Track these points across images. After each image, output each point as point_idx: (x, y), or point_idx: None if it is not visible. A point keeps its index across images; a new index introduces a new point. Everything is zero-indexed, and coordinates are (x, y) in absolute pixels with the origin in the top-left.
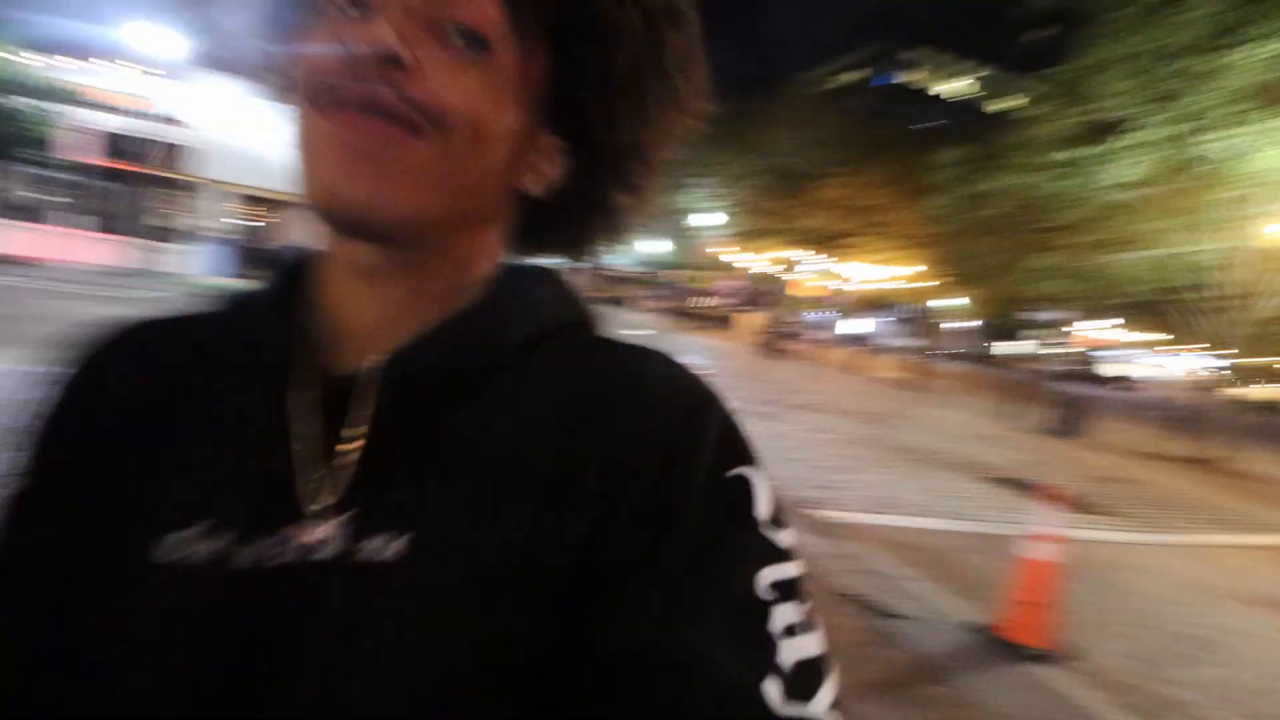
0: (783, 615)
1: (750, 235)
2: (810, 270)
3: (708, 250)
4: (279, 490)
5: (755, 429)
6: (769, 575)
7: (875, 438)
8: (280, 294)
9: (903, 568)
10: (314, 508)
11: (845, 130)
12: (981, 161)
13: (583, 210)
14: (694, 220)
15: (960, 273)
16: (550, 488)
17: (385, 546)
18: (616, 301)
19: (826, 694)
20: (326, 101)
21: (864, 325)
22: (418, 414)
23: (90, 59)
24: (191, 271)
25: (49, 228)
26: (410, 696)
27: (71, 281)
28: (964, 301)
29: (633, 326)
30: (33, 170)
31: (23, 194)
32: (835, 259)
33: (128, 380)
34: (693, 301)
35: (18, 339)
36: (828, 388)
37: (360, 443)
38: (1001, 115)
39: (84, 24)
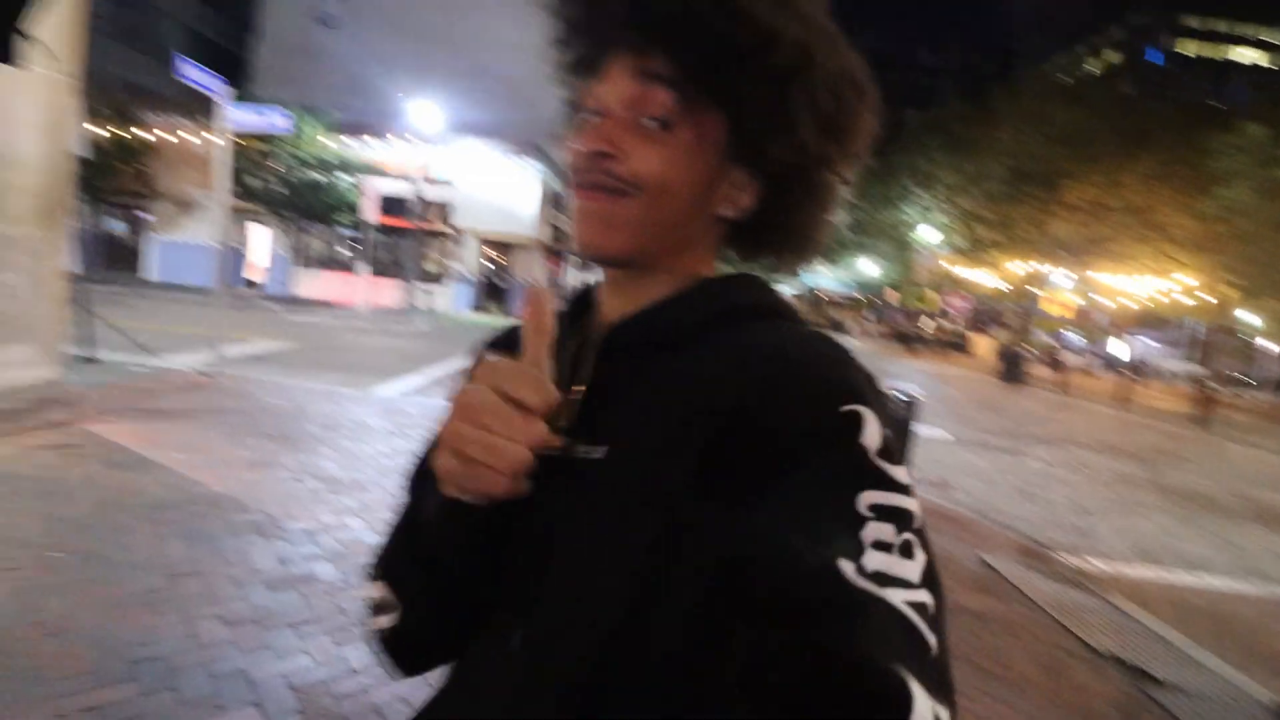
0: (876, 531)
1: (983, 248)
2: (1056, 285)
3: (934, 268)
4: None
5: (986, 462)
6: (870, 498)
7: (1142, 477)
8: (580, 300)
9: (1177, 630)
10: (559, 424)
11: (1095, 121)
12: None
13: (772, 227)
14: (918, 236)
15: (1256, 282)
16: (702, 423)
17: (591, 450)
18: (835, 327)
19: (904, 595)
20: (573, 183)
21: (1125, 347)
22: (621, 368)
23: (374, 135)
24: (448, 307)
25: (344, 275)
26: (605, 536)
27: (355, 318)
28: (1257, 318)
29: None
30: (336, 230)
31: (329, 249)
32: (1087, 271)
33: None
34: (918, 324)
35: (332, 364)
36: (1079, 418)
37: (583, 385)
38: None
39: (370, 107)
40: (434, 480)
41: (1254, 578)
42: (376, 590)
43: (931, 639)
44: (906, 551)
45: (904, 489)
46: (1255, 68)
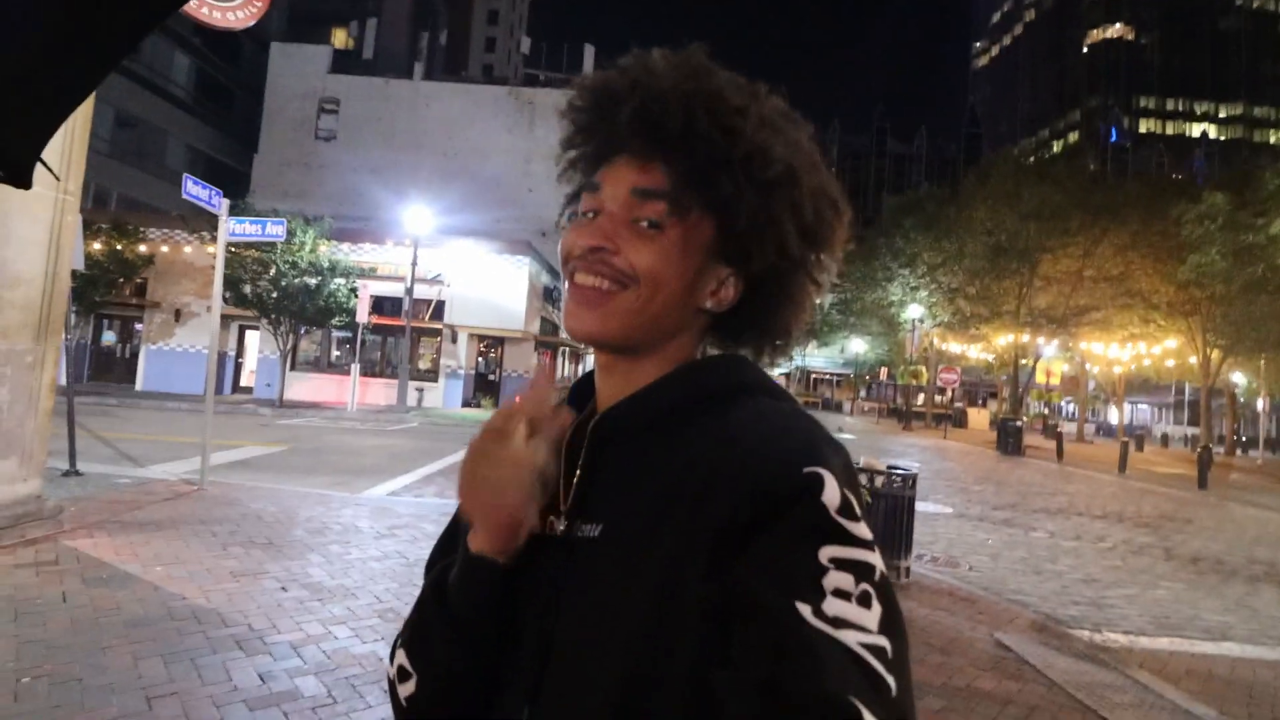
0: (836, 580)
1: (968, 322)
2: (1045, 355)
3: (923, 344)
4: (554, 497)
5: (991, 537)
6: (830, 551)
7: (1149, 544)
8: (580, 388)
9: (1202, 702)
10: (561, 507)
11: (1064, 197)
12: (1250, 207)
13: (753, 320)
14: (906, 314)
15: (1236, 341)
16: (686, 500)
17: (590, 530)
18: (828, 405)
19: (860, 638)
20: (570, 273)
21: (1120, 412)
22: (614, 450)
23: (368, 239)
24: (439, 404)
25: (335, 376)
26: (606, 611)
27: (345, 419)
28: (1240, 377)
29: (844, 430)
30: (329, 331)
31: (320, 351)
32: (1068, 339)
33: None
34: (905, 398)
35: (321, 467)
36: (1080, 487)
37: (578, 470)
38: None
39: (364, 212)
40: (459, 546)
41: (1274, 641)
42: (398, 658)
43: (890, 680)
44: (865, 601)
45: (863, 544)
46: (1212, 140)
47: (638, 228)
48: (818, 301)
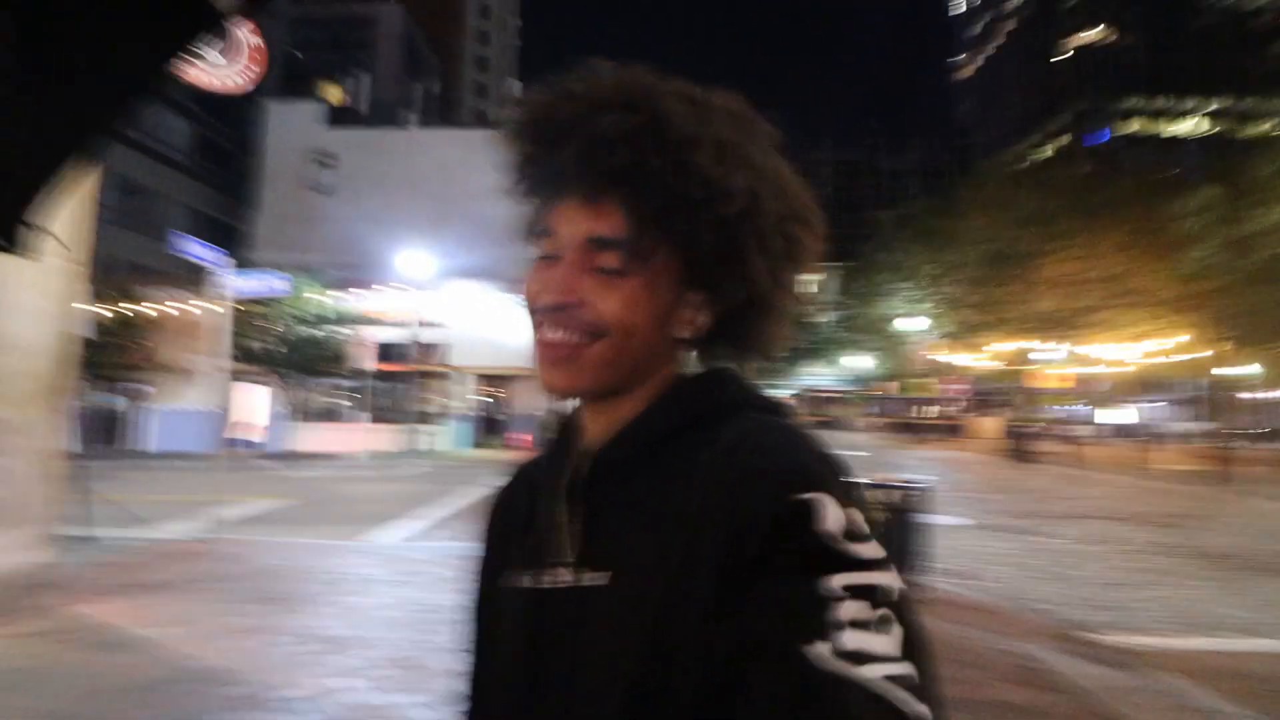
0: (850, 611)
1: (968, 332)
2: (1048, 359)
3: (924, 356)
4: (550, 548)
5: (1009, 546)
6: (838, 580)
7: (1172, 544)
8: (565, 426)
9: (1233, 702)
10: (564, 558)
11: (1058, 201)
12: (1246, 197)
13: (730, 340)
14: (903, 327)
15: (1246, 332)
16: (682, 538)
17: (597, 577)
18: (832, 424)
19: (883, 669)
20: (536, 326)
21: (1128, 413)
22: (611, 491)
23: (369, 287)
24: (448, 445)
25: (343, 425)
26: (612, 660)
27: (357, 467)
28: (1252, 368)
29: (848, 446)
30: (332, 381)
31: (325, 401)
32: (1074, 342)
33: (513, 493)
34: (915, 412)
35: (333, 517)
36: (1097, 490)
37: (580, 518)
38: (1253, 143)
39: (364, 260)
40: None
41: None
42: None
43: (919, 707)
44: (883, 626)
45: (873, 565)
46: (1203, 136)
47: (600, 276)
48: (796, 314)
